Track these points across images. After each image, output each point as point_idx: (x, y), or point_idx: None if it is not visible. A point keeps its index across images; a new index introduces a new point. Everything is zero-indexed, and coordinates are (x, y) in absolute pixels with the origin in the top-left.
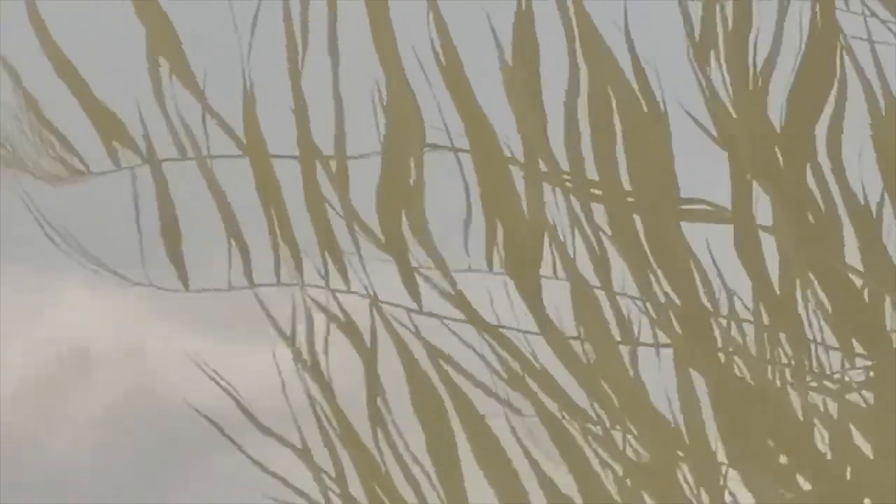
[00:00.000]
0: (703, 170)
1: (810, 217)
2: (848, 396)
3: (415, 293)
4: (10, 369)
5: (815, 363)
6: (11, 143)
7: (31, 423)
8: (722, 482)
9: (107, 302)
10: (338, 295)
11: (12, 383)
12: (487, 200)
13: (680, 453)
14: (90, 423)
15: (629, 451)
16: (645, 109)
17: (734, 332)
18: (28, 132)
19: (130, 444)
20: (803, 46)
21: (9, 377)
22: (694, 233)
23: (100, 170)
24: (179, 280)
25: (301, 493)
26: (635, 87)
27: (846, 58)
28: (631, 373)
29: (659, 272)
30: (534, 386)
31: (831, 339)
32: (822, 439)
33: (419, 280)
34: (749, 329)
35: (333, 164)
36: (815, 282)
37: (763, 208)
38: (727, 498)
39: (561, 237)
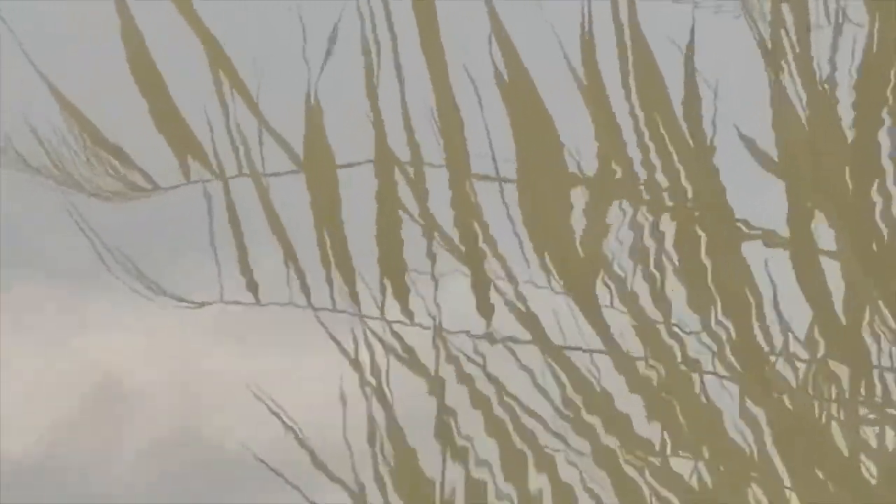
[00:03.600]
0: (760, 197)
1: (874, 243)
2: None
3: (487, 310)
4: (57, 395)
5: (880, 391)
6: (61, 162)
7: (78, 452)
8: None
9: (156, 325)
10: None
11: (60, 409)
12: (538, 232)
13: (751, 477)
14: (139, 457)
15: (694, 480)
16: (690, 143)
17: (787, 365)
18: (80, 152)
19: (181, 477)
20: (858, 62)
21: (56, 403)
22: (754, 262)
23: (167, 185)
24: (249, 292)
25: None
26: (681, 116)
27: None
28: (702, 398)
29: (719, 303)
30: (593, 419)
31: None
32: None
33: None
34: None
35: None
36: (883, 307)
37: (824, 233)
38: None
39: (618, 270)
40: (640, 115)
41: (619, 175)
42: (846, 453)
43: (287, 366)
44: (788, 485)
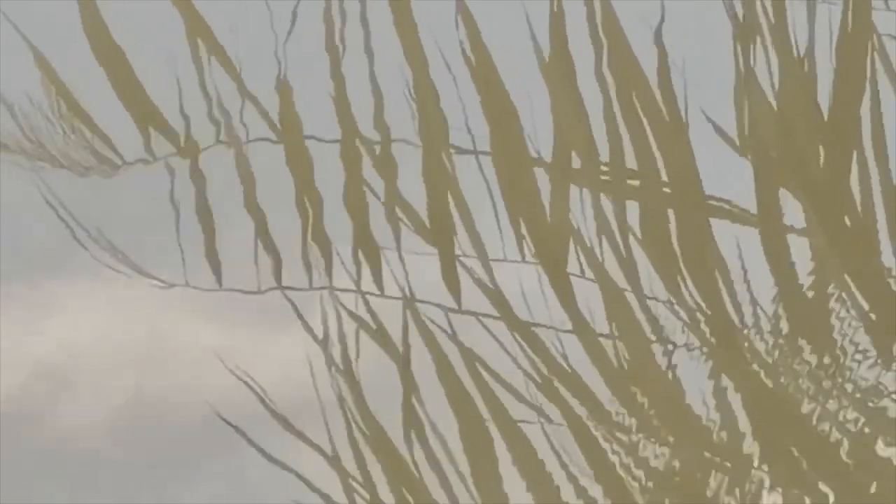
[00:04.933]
0: (731, 175)
1: (846, 218)
2: (883, 403)
3: (454, 286)
4: (27, 362)
5: (845, 370)
6: (37, 137)
7: (49, 412)
8: (754, 489)
9: (129, 297)
10: (371, 295)
11: (24, 376)
12: (511, 202)
13: (714, 458)
14: (110, 416)
15: (658, 458)
16: (667, 118)
17: (759, 340)
18: (57, 124)
19: (149, 437)
20: (835, 40)
21: (23, 371)
22: (723, 238)
23: (132, 159)
24: (214, 277)
25: (325, 497)
26: (658, 95)
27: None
28: (666, 374)
29: (687, 276)
30: (563, 391)
31: (865, 344)
32: (844, 449)
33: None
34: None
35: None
36: (852, 285)
37: (795, 210)
38: None
39: (587, 240)
40: (613, 93)
41: (576, 158)
42: (818, 430)
43: (256, 339)
44: (756, 465)
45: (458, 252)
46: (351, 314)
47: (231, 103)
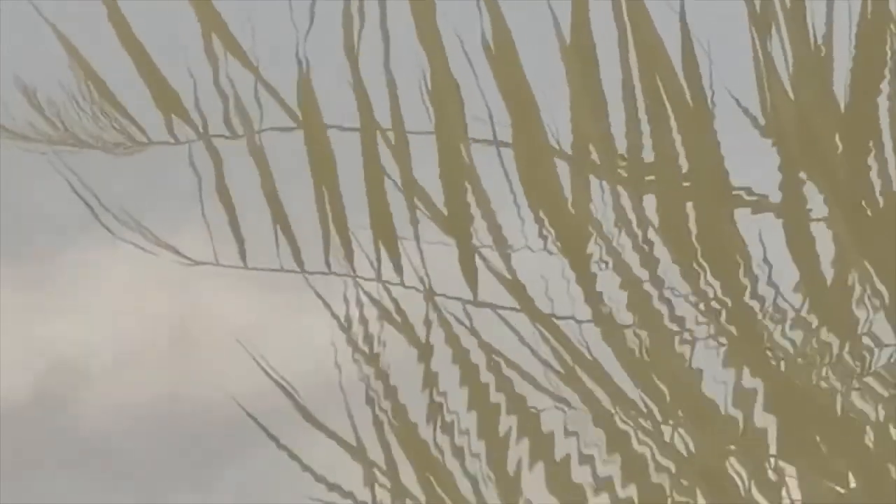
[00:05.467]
0: (756, 163)
1: (867, 207)
2: None
3: (472, 278)
4: (58, 343)
5: (867, 361)
6: (63, 120)
7: (70, 397)
8: (774, 477)
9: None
10: (391, 286)
11: (55, 358)
12: (531, 193)
13: (731, 447)
14: (132, 404)
15: (680, 446)
16: (691, 103)
17: (781, 331)
18: (87, 107)
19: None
20: (855, 28)
21: (55, 351)
22: (747, 228)
23: (159, 139)
24: (239, 256)
25: (343, 492)
26: (682, 78)
27: None
28: (686, 364)
29: (707, 268)
30: (585, 378)
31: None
32: (868, 437)
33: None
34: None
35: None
36: (874, 275)
37: (818, 200)
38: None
39: (608, 233)
40: (637, 82)
41: (593, 150)
42: (843, 420)
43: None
44: (773, 453)
45: (476, 243)
46: (372, 300)
47: (249, 94)
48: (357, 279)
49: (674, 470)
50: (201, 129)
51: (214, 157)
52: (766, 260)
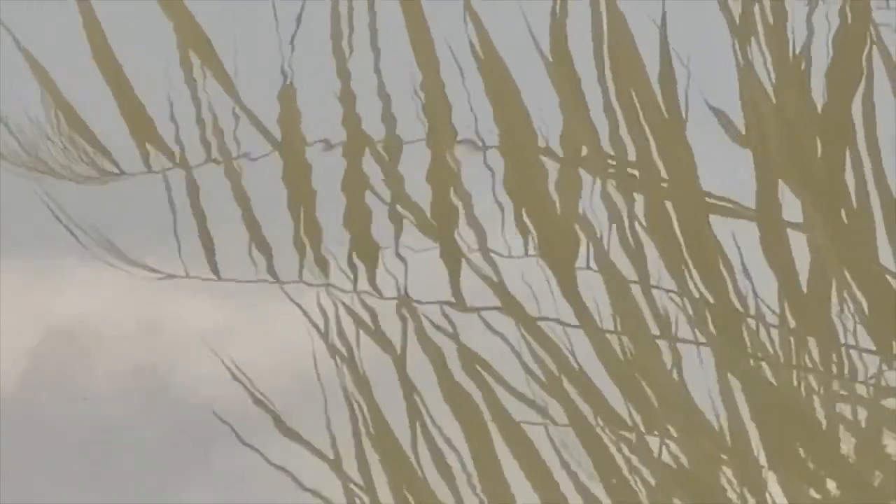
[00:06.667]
0: (731, 171)
1: (843, 214)
2: (885, 401)
3: (456, 284)
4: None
5: (846, 366)
6: (34, 149)
7: (42, 396)
8: (763, 485)
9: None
10: (368, 296)
11: (25, 361)
12: (517, 195)
13: (722, 456)
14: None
15: (666, 456)
16: (665, 115)
17: (763, 335)
18: (57, 138)
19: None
20: (832, 37)
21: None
22: (722, 233)
23: (132, 171)
24: (210, 269)
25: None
26: (658, 90)
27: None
28: (671, 371)
29: (693, 269)
30: (569, 389)
31: (866, 342)
32: (849, 444)
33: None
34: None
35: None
36: (852, 282)
37: (793, 206)
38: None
39: (597, 231)
40: (612, 87)
41: (584, 152)
42: (821, 424)
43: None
44: (764, 463)
45: (462, 247)
46: (348, 309)
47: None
48: (332, 288)
49: (656, 482)
50: (177, 160)
51: (191, 186)
52: (743, 264)
